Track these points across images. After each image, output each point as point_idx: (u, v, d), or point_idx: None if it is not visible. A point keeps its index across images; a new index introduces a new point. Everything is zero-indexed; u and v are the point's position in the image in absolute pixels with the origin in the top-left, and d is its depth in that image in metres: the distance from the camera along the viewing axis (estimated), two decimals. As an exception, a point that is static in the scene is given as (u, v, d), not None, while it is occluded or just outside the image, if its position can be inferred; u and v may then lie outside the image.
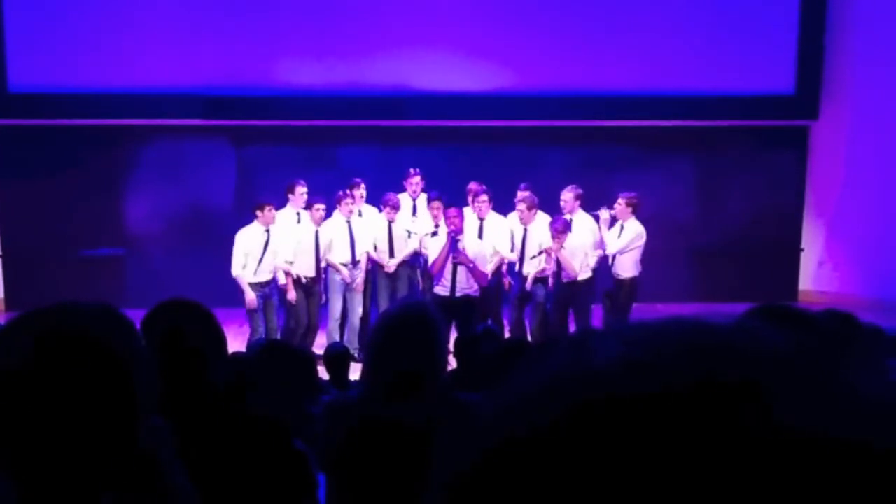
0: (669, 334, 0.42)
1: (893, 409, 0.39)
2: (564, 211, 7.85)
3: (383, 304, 8.02)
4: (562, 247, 7.46)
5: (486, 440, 0.41)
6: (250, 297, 7.53)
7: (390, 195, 8.17)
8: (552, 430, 0.39)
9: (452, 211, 7.26)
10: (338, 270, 7.91)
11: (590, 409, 0.39)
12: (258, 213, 7.62)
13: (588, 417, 0.38)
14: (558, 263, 7.52)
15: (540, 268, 7.67)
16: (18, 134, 10.28)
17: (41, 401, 1.14)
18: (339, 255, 7.93)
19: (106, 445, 1.17)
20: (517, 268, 7.88)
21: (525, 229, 7.80)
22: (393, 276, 8.18)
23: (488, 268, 7.60)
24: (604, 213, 7.88)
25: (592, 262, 7.71)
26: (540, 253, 7.59)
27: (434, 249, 7.40)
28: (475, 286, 7.36)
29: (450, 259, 7.23)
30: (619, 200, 7.88)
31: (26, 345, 1.16)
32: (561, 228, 7.50)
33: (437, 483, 0.43)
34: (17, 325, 1.21)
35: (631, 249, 7.86)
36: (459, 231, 7.26)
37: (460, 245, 7.26)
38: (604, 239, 7.83)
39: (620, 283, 7.91)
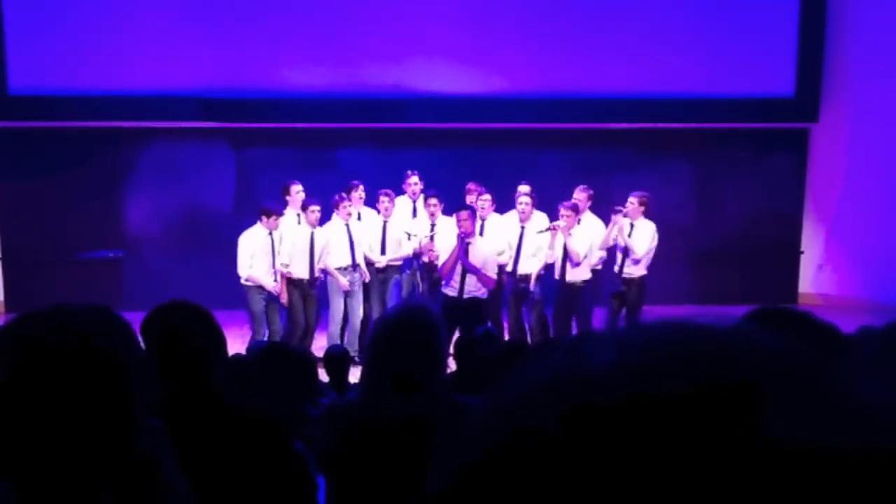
0: (664, 338, 0.42)
1: (891, 416, 0.38)
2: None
3: (376, 307, 7.99)
4: (570, 229, 7.45)
5: (479, 443, 0.41)
6: (272, 285, 7.58)
7: (383, 190, 8.19)
8: (546, 434, 0.39)
9: (463, 214, 7.24)
10: (335, 278, 7.90)
11: (583, 414, 0.39)
12: (263, 217, 7.64)
13: (581, 421, 0.38)
14: (563, 256, 7.50)
15: (540, 265, 7.67)
16: (18, 136, 10.29)
17: (38, 403, 1.13)
18: (338, 259, 7.92)
19: (103, 447, 1.17)
20: (510, 267, 7.88)
21: (522, 227, 7.80)
22: (384, 279, 8.16)
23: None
24: (622, 219, 7.88)
25: (594, 260, 7.72)
26: (547, 229, 7.58)
27: (444, 250, 7.40)
28: (483, 289, 7.38)
29: (459, 261, 7.24)
30: (631, 199, 7.89)
31: (23, 347, 1.16)
32: (570, 206, 7.52)
33: (431, 486, 0.43)
34: (13, 328, 1.21)
35: (651, 248, 7.90)
36: (470, 233, 7.25)
37: (470, 247, 7.27)
38: (628, 243, 7.83)
39: (631, 282, 7.90)
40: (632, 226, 7.88)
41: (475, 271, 7.24)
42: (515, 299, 7.88)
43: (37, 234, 10.34)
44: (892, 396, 0.40)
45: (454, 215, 7.38)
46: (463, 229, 7.22)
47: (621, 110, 10.42)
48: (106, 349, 1.19)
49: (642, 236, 7.87)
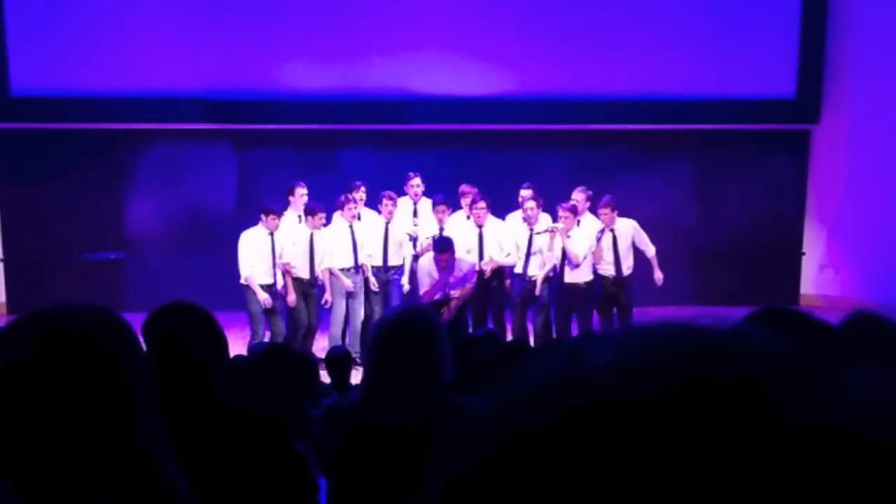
0: (661, 338, 0.42)
1: (885, 409, 0.39)
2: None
3: (377, 309, 8.00)
4: (568, 230, 7.45)
5: (479, 444, 0.41)
6: (263, 296, 7.57)
7: (386, 192, 8.17)
8: (545, 434, 0.39)
9: (444, 256, 7.20)
10: (338, 278, 7.90)
11: (581, 414, 0.39)
12: (263, 216, 7.66)
13: (580, 422, 0.39)
14: (562, 257, 7.51)
15: (545, 268, 7.68)
16: (20, 137, 10.30)
17: (39, 402, 1.14)
18: (341, 260, 7.92)
19: (103, 447, 1.17)
20: (519, 269, 7.87)
21: (530, 231, 7.80)
22: (385, 281, 8.15)
23: (486, 268, 7.78)
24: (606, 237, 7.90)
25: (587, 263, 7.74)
26: (545, 231, 7.59)
27: (426, 279, 7.40)
28: (457, 289, 7.39)
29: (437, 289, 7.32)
30: (604, 210, 7.83)
31: (24, 347, 1.16)
32: (569, 208, 7.51)
33: (431, 485, 0.43)
34: (15, 328, 1.21)
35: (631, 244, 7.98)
36: (452, 271, 7.28)
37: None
38: (619, 254, 7.86)
39: (623, 281, 7.90)
40: (612, 230, 7.86)
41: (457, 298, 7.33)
42: (522, 302, 7.89)
43: (39, 236, 10.35)
44: (888, 395, 0.40)
45: (435, 256, 7.31)
46: (445, 269, 7.22)
47: (623, 111, 10.42)
48: (107, 350, 1.19)
49: (624, 236, 7.90)
